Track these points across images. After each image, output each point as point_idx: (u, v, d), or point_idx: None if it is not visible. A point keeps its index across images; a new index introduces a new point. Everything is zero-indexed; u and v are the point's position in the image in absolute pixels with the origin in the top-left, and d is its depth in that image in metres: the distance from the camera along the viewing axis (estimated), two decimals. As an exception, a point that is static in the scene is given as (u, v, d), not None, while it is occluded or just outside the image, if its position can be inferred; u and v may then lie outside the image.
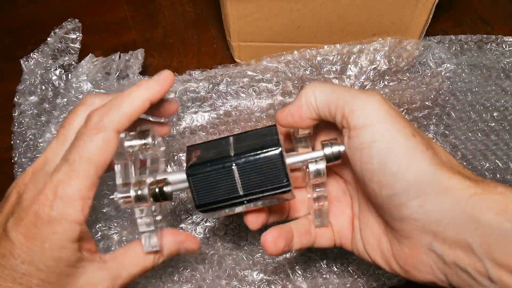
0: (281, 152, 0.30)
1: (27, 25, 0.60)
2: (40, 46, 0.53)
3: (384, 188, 0.28)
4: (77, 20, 0.54)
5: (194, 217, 0.46)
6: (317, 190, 0.33)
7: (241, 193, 0.30)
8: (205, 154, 0.31)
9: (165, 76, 0.32)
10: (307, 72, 0.49)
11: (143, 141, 0.31)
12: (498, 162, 0.47)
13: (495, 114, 0.50)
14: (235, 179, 0.30)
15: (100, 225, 0.44)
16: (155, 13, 0.61)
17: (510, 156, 0.47)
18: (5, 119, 0.53)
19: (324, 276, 0.43)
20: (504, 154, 0.48)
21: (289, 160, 0.31)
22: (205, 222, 0.45)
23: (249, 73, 0.50)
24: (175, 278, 0.43)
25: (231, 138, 0.32)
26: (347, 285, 0.42)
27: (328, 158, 0.31)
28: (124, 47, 0.56)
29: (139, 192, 0.31)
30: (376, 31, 0.51)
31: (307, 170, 0.32)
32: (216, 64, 0.55)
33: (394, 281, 0.42)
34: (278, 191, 0.30)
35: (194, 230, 0.45)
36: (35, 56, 0.53)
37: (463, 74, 0.52)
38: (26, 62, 0.53)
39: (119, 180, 0.31)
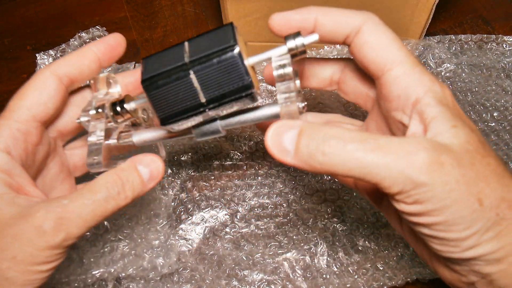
0: (239, 52, 0.27)
1: (27, 25, 0.60)
2: (62, 45, 0.53)
3: None
4: (104, 28, 0.54)
5: (194, 217, 0.46)
6: (284, 95, 0.29)
7: (203, 100, 0.28)
8: (161, 64, 0.29)
9: (114, 37, 0.33)
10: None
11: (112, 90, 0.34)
12: (498, 162, 0.47)
13: (495, 114, 0.50)
14: (195, 87, 0.28)
15: (109, 236, 0.44)
16: (155, 13, 0.61)
17: (510, 156, 0.47)
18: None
19: (324, 276, 0.43)
20: (504, 154, 0.48)
21: (250, 60, 0.29)
22: (205, 222, 0.46)
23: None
24: (175, 279, 0.43)
25: (186, 43, 0.29)
26: (347, 285, 0.42)
27: (293, 53, 0.28)
28: (124, 47, 0.56)
29: (99, 110, 0.31)
30: (376, 31, 0.51)
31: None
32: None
33: (394, 281, 0.42)
34: (240, 93, 0.28)
35: (194, 230, 0.45)
36: (52, 53, 0.53)
37: (463, 74, 0.52)
38: (41, 59, 0.53)
39: (86, 107, 0.32)
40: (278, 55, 0.29)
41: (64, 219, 0.27)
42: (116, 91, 0.34)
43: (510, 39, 0.53)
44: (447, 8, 0.59)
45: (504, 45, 0.53)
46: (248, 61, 0.29)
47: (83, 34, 0.54)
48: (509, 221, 0.25)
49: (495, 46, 0.53)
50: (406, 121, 0.28)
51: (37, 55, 0.53)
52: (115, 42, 0.33)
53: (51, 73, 0.31)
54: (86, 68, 0.32)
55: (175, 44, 0.30)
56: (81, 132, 0.36)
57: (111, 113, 0.31)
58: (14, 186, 0.29)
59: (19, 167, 0.29)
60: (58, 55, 0.53)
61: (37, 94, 0.30)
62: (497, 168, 0.26)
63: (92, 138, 0.31)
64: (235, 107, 0.29)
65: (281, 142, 0.26)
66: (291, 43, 0.28)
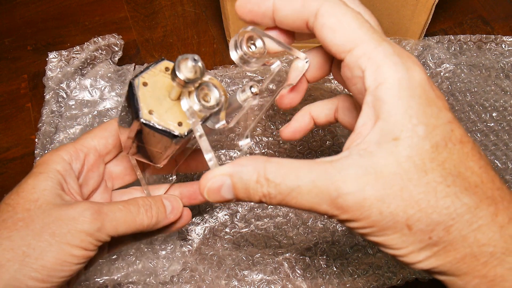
0: (132, 89, 0.29)
1: (27, 25, 0.60)
2: (75, 47, 0.53)
3: None
4: (120, 36, 0.54)
5: (194, 218, 0.46)
6: (196, 135, 0.28)
7: (126, 127, 0.31)
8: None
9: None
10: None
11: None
12: (497, 162, 0.47)
13: (494, 114, 0.50)
14: (127, 116, 0.31)
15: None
16: (155, 13, 0.61)
17: (509, 156, 0.47)
18: (5, 119, 0.53)
19: (324, 276, 0.43)
20: (503, 154, 0.48)
21: (171, 95, 0.30)
22: (205, 223, 0.46)
23: (249, 74, 0.50)
24: (175, 279, 0.43)
25: None
26: (347, 285, 0.42)
27: (182, 85, 0.27)
28: (124, 47, 0.56)
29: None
30: (376, 31, 0.51)
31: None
32: (216, 64, 0.55)
33: (394, 281, 0.42)
34: (136, 125, 0.29)
35: (194, 230, 0.45)
36: (64, 54, 0.53)
37: (462, 74, 0.52)
38: (54, 58, 0.53)
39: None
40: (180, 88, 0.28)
41: (101, 213, 0.31)
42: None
43: (509, 40, 0.53)
44: (447, 8, 0.59)
45: (503, 45, 0.53)
46: (170, 96, 0.30)
47: (99, 40, 0.53)
48: (446, 242, 0.25)
49: (494, 46, 0.53)
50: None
51: (49, 53, 0.53)
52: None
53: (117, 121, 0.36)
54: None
55: None
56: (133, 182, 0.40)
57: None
58: (65, 189, 0.33)
59: (73, 178, 0.34)
60: (71, 56, 0.53)
61: (101, 131, 0.37)
62: (442, 183, 0.24)
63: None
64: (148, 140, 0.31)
65: (221, 195, 0.27)
66: (173, 75, 0.26)
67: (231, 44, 0.29)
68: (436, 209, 0.24)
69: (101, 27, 0.59)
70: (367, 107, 0.25)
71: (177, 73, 0.25)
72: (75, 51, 0.53)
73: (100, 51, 0.53)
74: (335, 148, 0.49)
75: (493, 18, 0.58)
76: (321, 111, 0.36)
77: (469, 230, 0.24)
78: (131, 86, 0.30)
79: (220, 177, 0.26)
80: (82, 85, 0.51)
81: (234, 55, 0.29)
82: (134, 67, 0.54)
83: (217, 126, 0.30)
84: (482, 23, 0.58)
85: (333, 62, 0.33)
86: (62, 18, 0.60)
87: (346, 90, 0.37)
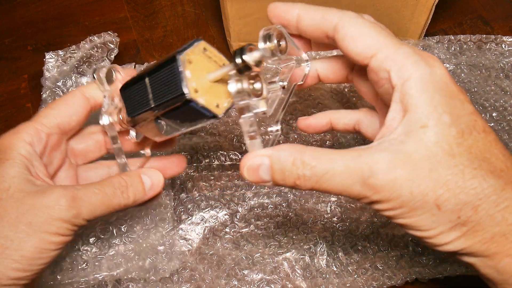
0: (178, 62, 0.28)
1: (27, 25, 0.60)
2: (71, 47, 0.53)
3: None
4: (116, 34, 0.54)
5: (194, 217, 0.46)
6: (243, 118, 0.29)
7: (152, 105, 0.31)
8: (137, 73, 0.32)
9: (132, 70, 0.37)
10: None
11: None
12: (497, 162, 0.47)
13: (494, 114, 0.50)
14: (148, 92, 0.31)
15: (114, 240, 0.44)
16: (155, 13, 0.61)
17: (509, 156, 0.47)
18: (5, 119, 0.53)
19: (323, 275, 0.43)
20: (503, 154, 0.48)
21: (210, 76, 0.29)
22: (205, 222, 0.46)
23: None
24: (175, 278, 0.43)
25: (155, 61, 0.33)
26: (347, 285, 0.42)
27: (239, 69, 0.28)
28: (124, 47, 0.56)
29: (111, 119, 0.35)
30: (376, 31, 0.51)
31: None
32: (216, 64, 0.54)
33: (394, 281, 0.42)
34: (178, 101, 0.29)
35: (194, 230, 0.45)
36: (61, 53, 0.53)
37: (462, 74, 0.52)
38: (50, 58, 0.53)
39: (104, 109, 0.35)
40: (229, 71, 0.29)
41: (77, 199, 0.31)
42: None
43: (509, 40, 0.53)
44: (447, 9, 0.59)
45: (503, 46, 0.53)
46: (208, 77, 0.29)
47: (95, 38, 0.53)
48: (474, 222, 0.26)
49: (494, 47, 0.53)
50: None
51: (46, 54, 0.53)
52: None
53: (82, 94, 0.35)
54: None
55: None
56: (96, 159, 0.40)
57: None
58: (32, 173, 0.32)
59: (38, 160, 0.33)
60: (67, 56, 0.53)
61: (65, 107, 0.35)
62: (469, 166, 0.26)
63: (115, 149, 0.36)
64: (187, 121, 0.31)
65: (259, 175, 0.29)
66: (238, 61, 0.28)
67: (262, 34, 0.30)
68: (464, 190, 0.25)
69: (101, 27, 0.59)
70: (395, 103, 0.27)
71: (248, 57, 0.27)
72: (72, 50, 0.53)
73: (96, 49, 0.53)
74: (335, 148, 0.49)
75: (493, 18, 0.58)
76: (341, 119, 0.37)
77: (496, 210, 0.26)
78: (172, 62, 0.29)
79: (260, 157, 0.28)
80: (79, 83, 0.51)
81: (262, 45, 0.30)
82: (134, 66, 0.54)
83: (256, 111, 0.30)
84: (482, 23, 0.58)
85: (354, 70, 0.34)
86: (62, 18, 0.60)
87: (358, 94, 0.38)
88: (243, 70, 0.28)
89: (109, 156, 0.39)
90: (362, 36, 0.28)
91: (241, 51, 0.27)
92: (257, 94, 0.29)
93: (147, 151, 0.37)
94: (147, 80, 0.31)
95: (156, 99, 0.30)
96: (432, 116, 0.26)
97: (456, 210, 0.26)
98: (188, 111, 0.29)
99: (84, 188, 0.32)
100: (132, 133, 0.36)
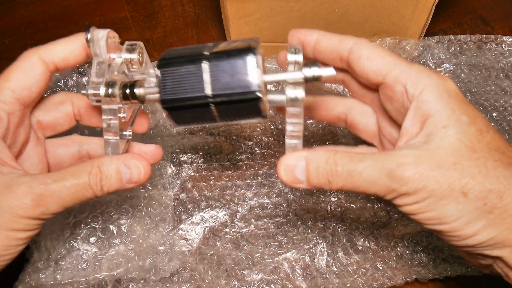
0: (255, 59, 0.28)
1: (27, 25, 0.60)
2: None
3: None
4: (116, 33, 0.54)
5: (194, 217, 0.46)
6: (292, 121, 0.30)
7: (208, 92, 0.29)
8: (179, 53, 0.30)
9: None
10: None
11: (128, 55, 0.32)
12: (497, 162, 0.47)
13: (494, 114, 0.50)
14: (203, 77, 0.28)
15: (115, 240, 0.44)
16: (155, 13, 0.61)
17: (509, 156, 0.47)
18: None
19: (323, 275, 0.43)
20: (503, 154, 0.48)
21: (265, 77, 0.29)
22: (205, 222, 0.46)
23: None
24: (175, 278, 0.43)
25: (210, 43, 0.30)
26: (347, 285, 0.42)
27: (308, 81, 0.29)
28: (124, 47, 0.56)
29: (110, 90, 0.30)
30: (376, 31, 0.51)
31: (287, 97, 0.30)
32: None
33: (394, 281, 0.42)
34: (246, 97, 0.28)
35: (194, 230, 0.45)
36: None
37: (462, 74, 0.52)
38: None
39: (93, 78, 0.31)
40: (293, 79, 0.29)
41: (45, 196, 0.29)
42: (119, 58, 0.33)
43: (509, 40, 0.53)
44: (447, 9, 0.59)
45: (503, 45, 0.53)
46: (263, 78, 0.29)
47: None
48: (500, 209, 0.27)
49: (494, 47, 0.53)
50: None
51: None
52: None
53: (39, 58, 0.32)
54: (72, 57, 0.34)
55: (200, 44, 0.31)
56: (65, 131, 0.37)
57: (120, 95, 0.31)
58: None
59: (1, 143, 0.31)
60: None
61: (22, 78, 0.32)
62: (490, 159, 0.27)
63: (107, 125, 0.32)
64: (238, 113, 0.30)
65: (294, 175, 0.30)
66: (307, 72, 0.29)
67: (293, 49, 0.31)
68: (488, 178, 0.27)
69: (101, 27, 0.59)
70: (413, 111, 0.29)
71: (321, 72, 0.28)
72: None
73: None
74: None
75: (493, 18, 0.58)
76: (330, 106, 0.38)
77: None
78: (246, 54, 0.28)
79: (297, 157, 0.30)
80: (79, 83, 0.51)
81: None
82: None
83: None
84: (482, 23, 0.58)
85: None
86: (62, 18, 0.60)
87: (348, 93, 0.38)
88: (310, 80, 0.29)
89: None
90: (376, 57, 0.31)
91: (314, 64, 0.29)
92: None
93: (129, 133, 0.35)
94: (205, 65, 0.28)
95: (216, 88, 0.28)
96: (452, 117, 0.28)
97: (482, 197, 0.27)
98: (249, 107, 0.29)
99: (55, 182, 0.29)
100: (123, 112, 0.33)
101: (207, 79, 0.28)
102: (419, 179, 0.27)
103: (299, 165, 0.30)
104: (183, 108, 0.30)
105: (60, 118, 0.36)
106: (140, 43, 0.33)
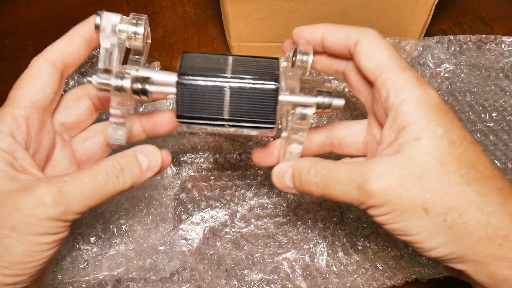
0: (277, 89, 0.29)
1: (27, 26, 0.60)
2: None
3: None
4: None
5: (194, 218, 0.46)
6: (297, 133, 0.32)
7: (225, 116, 0.30)
8: (200, 66, 0.30)
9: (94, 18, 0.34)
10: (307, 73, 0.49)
11: (135, 29, 0.32)
12: (496, 162, 0.47)
13: (493, 114, 0.50)
14: (224, 101, 0.30)
15: (115, 240, 0.44)
16: (155, 13, 0.61)
17: (509, 156, 0.48)
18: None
19: (323, 275, 0.43)
20: (503, 154, 0.48)
21: (281, 97, 0.30)
22: (205, 222, 0.46)
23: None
24: (175, 278, 0.43)
25: (230, 57, 0.31)
26: (347, 285, 0.42)
27: (318, 107, 0.31)
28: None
29: (120, 83, 0.30)
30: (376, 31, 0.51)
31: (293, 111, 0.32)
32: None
33: (394, 281, 0.42)
34: (262, 126, 0.31)
35: (194, 230, 0.45)
36: None
37: (462, 74, 0.52)
38: None
39: (101, 65, 0.31)
40: (306, 103, 0.31)
41: (65, 193, 0.28)
42: (137, 43, 0.33)
43: (509, 40, 0.53)
44: (446, 9, 0.59)
45: (503, 46, 0.53)
46: (279, 97, 0.30)
47: None
48: (460, 225, 0.27)
49: (494, 47, 0.53)
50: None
51: None
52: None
53: (45, 61, 0.32)
54: (76, 51, 0.34)
55: (218, 54, 0.31)
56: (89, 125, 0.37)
57: (131, 91, 0.30)
58: (17, 167, 0.29)
59: (22, 151, 0.30)
60: None
61: (34, 82, 0.32)
62: (456, 174, 0.28)
63: (115, 112, 0.31)
64: (246, 132, 0.32)
65: (284, 182, 0.33)
66: (320, 99, 0.31)
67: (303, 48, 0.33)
68: (450, 195, 0.27)
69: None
70: (391, 120, 0.30)
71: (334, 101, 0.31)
72: None
73: (97, 49, 0.53)
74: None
75: (493, 18, 0.58)
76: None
77: (481, 214, 0.27)
78: (269, 83, 0.30)
79: (286, 166, 0.33)
80: (80, 84, 0.51)
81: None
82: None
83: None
84: (482, 23, 0.58)
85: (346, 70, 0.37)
86: (62, 19, 0.60)
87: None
88: (321, 108, 0.31)
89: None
90: (374, 55, 0.31)
91: (329, 95, 0.31)
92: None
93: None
94: (227, 90, 0.29)
95: (235, 114, 0.30)
96: (427, 129, 0.28)
97: (442, 213, 0.27)
98: (262, 130, 0.32)
99: (73, 179, 0.28)
100: (120, 132, 0.33)
101: (226, 103, 0.30)
102: (384, 193, 0.28)
103: (288, 172, 0.33)
104: (196, 124, 0.31)
105: (82, 114, 0.36)
106: (145, 16, 0.33)
